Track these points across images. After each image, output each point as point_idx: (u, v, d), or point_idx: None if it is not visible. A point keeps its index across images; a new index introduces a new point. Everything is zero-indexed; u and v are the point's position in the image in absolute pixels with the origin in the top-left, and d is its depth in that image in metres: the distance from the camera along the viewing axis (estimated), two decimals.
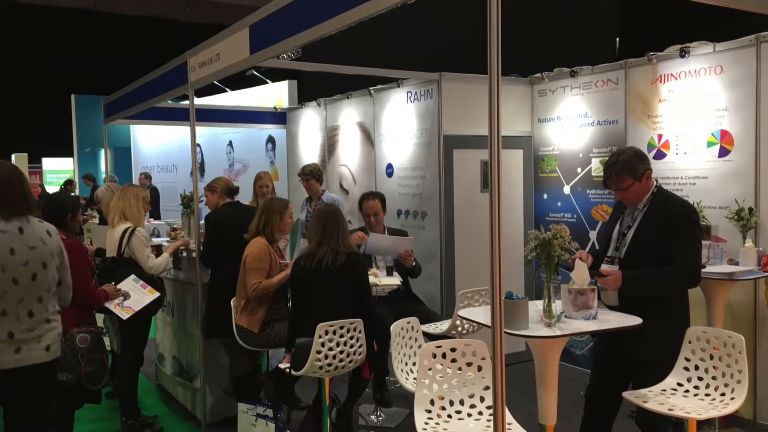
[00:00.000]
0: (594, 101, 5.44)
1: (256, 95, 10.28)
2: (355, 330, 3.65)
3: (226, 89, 10.84)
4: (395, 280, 4.61)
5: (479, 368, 2.94)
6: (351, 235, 4.17)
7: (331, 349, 3.57)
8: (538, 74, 5.92)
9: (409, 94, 5.98)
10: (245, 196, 5.86)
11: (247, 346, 4.20)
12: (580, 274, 3.12)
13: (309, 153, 7.71)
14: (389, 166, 6.27)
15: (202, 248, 4.69)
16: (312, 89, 9.58)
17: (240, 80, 9.80)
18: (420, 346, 3.50)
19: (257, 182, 6.19)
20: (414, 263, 4.80)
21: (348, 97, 6.93)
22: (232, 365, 4.61)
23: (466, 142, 5.60)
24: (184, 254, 5.15)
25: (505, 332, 2.32)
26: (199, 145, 9.81)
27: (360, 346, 3.69)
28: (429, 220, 5.75)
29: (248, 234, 4.27)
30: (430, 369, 2.90)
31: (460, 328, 4.28)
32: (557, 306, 3.06)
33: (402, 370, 3.44)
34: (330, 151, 7.30)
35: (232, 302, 4.31)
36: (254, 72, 9.85)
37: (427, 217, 5.77)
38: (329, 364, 3.60)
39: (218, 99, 10.75)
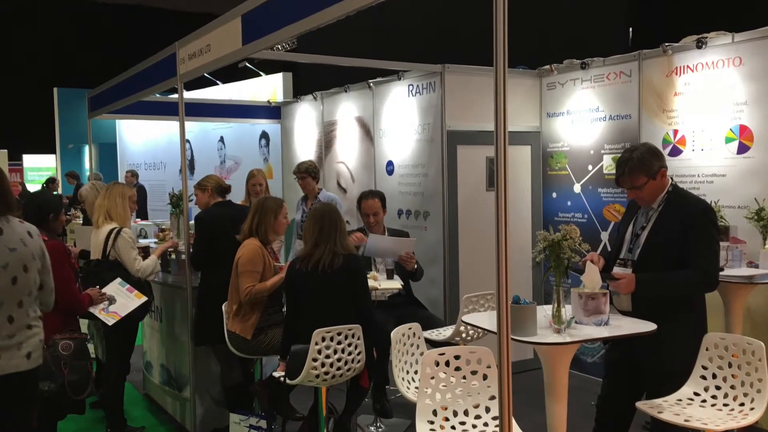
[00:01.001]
0: (606, 95, 5.44)
1: (248, 88, 10.29)
2: (353, 336, 3.65)
3: (218, 82, 10.85)
4: (396, 283, 4.61)
5: (485, 377, 2.94)
6: (349, 236, 4.18)
7: (328, 356, 3.57)
8: (547, 66, 5.92)
9: (411, 88, 5.97)
10: (237, 195, 5.84)
11: (239, 353, 4.20)
12: (592, 277, 3.13)
13: (305, 149, 7.70)
14: (389, 163, 6.27)
15: (191, 250, 4.69)
16: (308, 82, 9.58)
17: (232, 73, 9.83)
18: (422, 354, 3.50)
19: (250, 180, 6.19)
20: (416, 266, 4.80)
21: (346, 91, 6.91)
22: (224, 374, 4.60)
23: (470, 137, 5.60)
24: (173, 256, 5.16)
25: (512, 339, 2.33)
26: (188, 141, 9.80)
27: (359, 354, 3.69)
28: (431, 221, 5.74)
29: (240, 235, 4.27)
30: (432, 378, 2.90)
31: (464, 335, 4.28)
32: (567, 311, 3.06)
33: (403, 378, 3.44)
34: (327, 147, 7.29)
35: (223, 307, 4.32)
36: (247, 64, 9.87)
37: (429, 217, 5.77)
38: (326, 373, 3.60)
39: (209, 92, 10.75)
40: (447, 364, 2.92)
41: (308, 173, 6.04)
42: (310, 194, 6.15)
